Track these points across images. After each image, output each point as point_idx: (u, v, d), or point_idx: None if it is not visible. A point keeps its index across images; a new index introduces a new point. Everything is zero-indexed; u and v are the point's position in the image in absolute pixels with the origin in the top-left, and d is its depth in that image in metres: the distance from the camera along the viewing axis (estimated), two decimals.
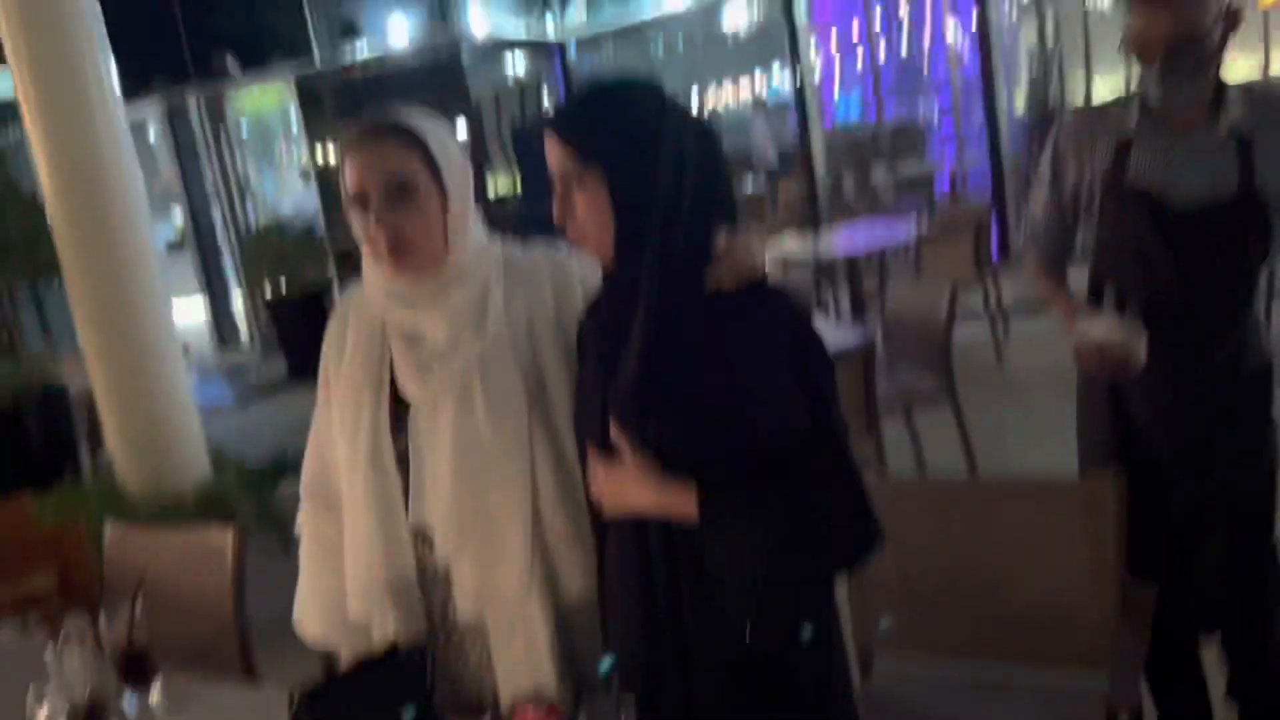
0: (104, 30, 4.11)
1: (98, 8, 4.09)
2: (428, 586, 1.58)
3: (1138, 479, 1.85)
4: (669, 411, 1.29)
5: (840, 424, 1.29)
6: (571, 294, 1.58)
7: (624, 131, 1.27)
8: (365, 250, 1.53)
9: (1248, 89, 1.92)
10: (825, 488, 1.25)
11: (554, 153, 1.30)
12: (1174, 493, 1.99)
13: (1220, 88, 1.90)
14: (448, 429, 1.50)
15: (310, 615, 1.72)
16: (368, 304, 1.60)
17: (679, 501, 1.27)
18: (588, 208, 1.29)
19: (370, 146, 1.48)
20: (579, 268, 1.61)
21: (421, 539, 1.57)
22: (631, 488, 1.30)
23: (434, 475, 1.52)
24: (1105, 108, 2.08)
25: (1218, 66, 1.88)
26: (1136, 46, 1.87)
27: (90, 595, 2.65)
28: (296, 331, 8.59)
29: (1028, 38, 12.15)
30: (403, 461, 1.55)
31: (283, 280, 8.74)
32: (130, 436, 3.98)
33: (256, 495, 3.94)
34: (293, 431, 1.73)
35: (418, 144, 1.48)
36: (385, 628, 1.57)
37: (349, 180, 1.48)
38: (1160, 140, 1.93)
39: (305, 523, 1.73)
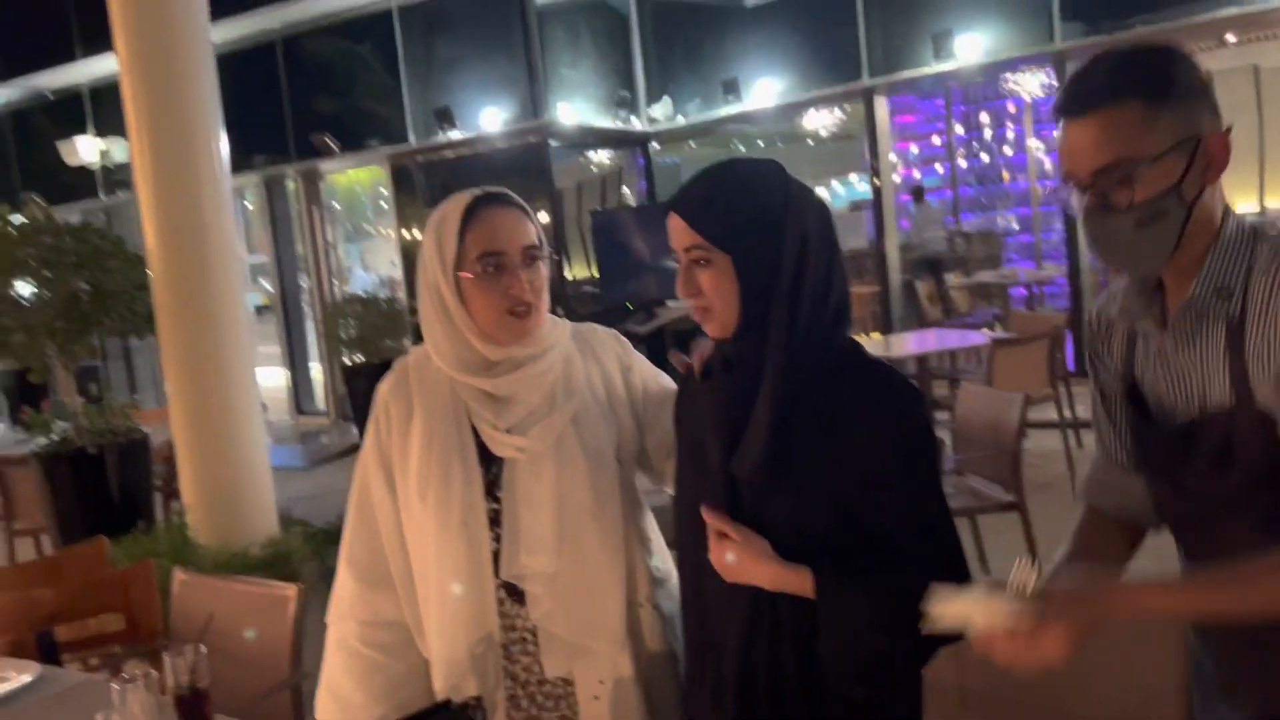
0: (219, 107, 4.37)
1: (216, 88, 4.36)
2: (511, 647, 1.60)
3: None
4: (790, 488, 1.33)
5: (946, 505, 1.34)
6: (634, 367, 1.68)
7: (753, 219, 1.32)
8: (465, 315, 1.55)
9: (1256, 234, 1.27)
10: (934, 567, 1.28)
11: (681, 235, 1.36)
12: None
13: (1211, 242, 1.27)
14: (549, 484, 1.55)
15: (365, 699, 1.64)
16: (432, 369, 1.63)
17: (796, 578, 1.31)
18: (715, 287, 1.35)
19: (505, 211, 1.57)
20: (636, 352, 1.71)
21: (509, 595, 1.59)
22: (751, 560, 1.33)
23: (531, 530, 1.55)
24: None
25: (1186, 213, 1.24)
26: (1068, 187, 1.28)
27: (154, 641, 2.71)
28: (370, 399, 8.77)
29: None
30: (490, 522, 1.58)
31: (359, 350, 8.98)
32: (206, 490, 4.11)
33: (320, 556, 4.02)
34: None
35: (533, 217, 1.60)
36: (462, 692, 1.57)
37: (483, 241, 1.53)
38: (1154, 327, 1.35)
39: (354, 605, 1.66)
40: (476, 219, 1.55)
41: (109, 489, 4.97)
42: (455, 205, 1.57)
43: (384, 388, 1.70)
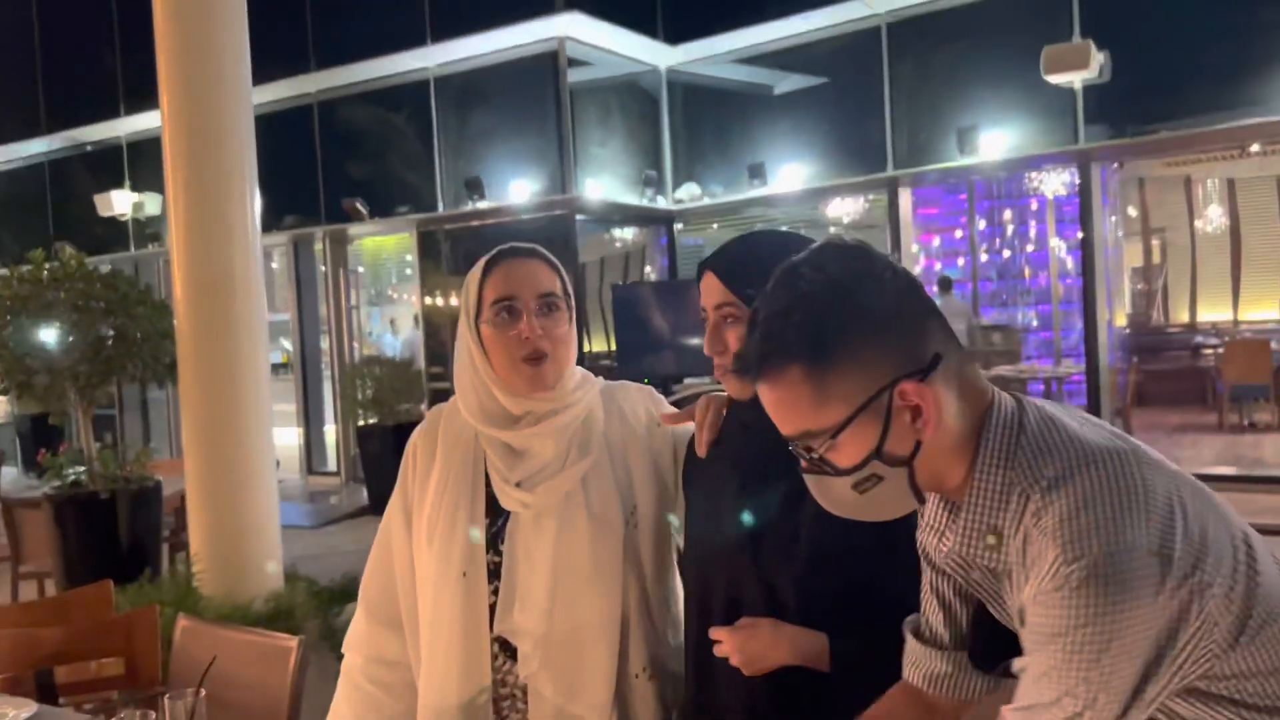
0: (255, 167, 4.47)
1: (254, 148, 4.46)
2: (502, 702, 1.58)
3: None
4: (807, 552, 1.33)
5: None
6: (662, 427, 1.66)
7: None
8: (486, 365, 1.58)
9: (1017, 449, 1.02)
10: None
11: (714, 292, 1.40)
12: None
13: (967, 472, 1.05)
14: (549, 541, 1.54)
15: None
16: (460, 419, 1.65)
17: (813, 652, 1.31)
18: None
19: (524, 262, 1.60)
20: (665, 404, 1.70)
21: (503, 650, 1.58)
22: (769, 646, 1.33)
23: (527, 587, 1.54)
24: None
25: (908, 468, 1.03)
26: None
27: (153, 688, 2.68)
28: (381, 461, 8.77)
29: (1131, 255, 12.23)
30: (491, 574, 1.58)
31: (375, 411, 9.00)
32: (214, 542, 4.09)
33: (323, 614, 3.98)
34: (365, 558, 1.77)
35: (557, 270, 1.63)
36: None
37: (497, 288, 1.57)
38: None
39: (362, 640, 1.71)
40: (494, 270, 1.60)
41: (118, 535, 4.96)
42: (481, 260, 1.63)
43: (416, 432, 1.73)
